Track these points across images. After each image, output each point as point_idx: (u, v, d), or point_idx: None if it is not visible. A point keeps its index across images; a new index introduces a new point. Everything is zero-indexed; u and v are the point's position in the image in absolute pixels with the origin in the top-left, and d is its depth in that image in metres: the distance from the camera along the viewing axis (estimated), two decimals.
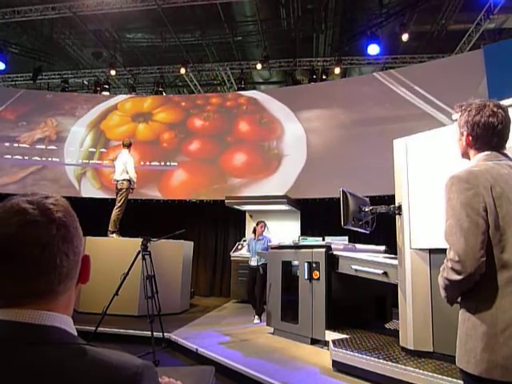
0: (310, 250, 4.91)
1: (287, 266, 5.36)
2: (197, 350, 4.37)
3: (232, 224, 9.74)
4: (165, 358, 4.30)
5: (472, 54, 8.30)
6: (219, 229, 9.83)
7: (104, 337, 4.63)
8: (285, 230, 8.61)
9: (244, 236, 8.96)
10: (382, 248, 5.55)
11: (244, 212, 9.11)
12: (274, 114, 10.04)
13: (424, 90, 8.50)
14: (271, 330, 5.25)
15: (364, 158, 8.37)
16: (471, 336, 1.31)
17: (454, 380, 2.76)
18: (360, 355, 3.44)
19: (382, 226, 4.38)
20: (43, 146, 10.42)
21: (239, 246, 8.49)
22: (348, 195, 3.94)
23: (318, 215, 8.73)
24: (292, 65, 10.65)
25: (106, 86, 11.42)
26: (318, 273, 4.68)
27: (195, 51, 10.45)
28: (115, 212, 6.88)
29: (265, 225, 6.42)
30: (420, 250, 3.45)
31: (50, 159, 10.37)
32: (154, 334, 4.24)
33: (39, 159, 10.32)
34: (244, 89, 10.77)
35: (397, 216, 3.75)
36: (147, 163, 10.26)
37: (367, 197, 4.50)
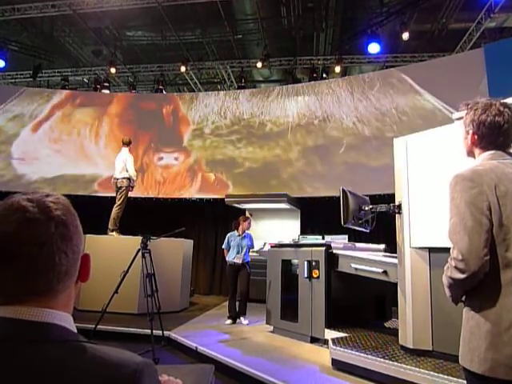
0: (310, 248, 4.92)
1: (287, 265, 5.36)
2: (196, 348, 4.37)
3: (232, 222, 9.71)
4: (164, 356, 4.31)
5: (473, 52, 8.29)
6: (219, 227, 9.82)
7: (104, 335, 4.64)
8: (285, 229, 8.62)
9: None
10: (382, 247, 5.55)
11: (244, 210, 9.10)
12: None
13: (425, 89, 8.50)
14: (271, 328, 5.26)
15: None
16: (475, 334, 1.31)
17: (453, 378, 2.77)
18: (359, 354, 3.45)
19: (381, 224, 4.39)
20: None
21: None
22: (348, 194, 3.94)
23: (317, 214, 8.72)
24: (292, 63, 10.63)
25: (106, 84, 11.38)
26: (317, 271, 4.69)
27: (195, 49, 10.43)
28: (115, 210, 6.88)
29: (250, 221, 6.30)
30: (420, 248, 3.45)
31: None
32: (154, 332, 4.25)
33: None
34: (244, 87, 10.76)
35: (397, 215, 3.75)
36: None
37: (367, 195, 4.50)
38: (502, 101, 1.49)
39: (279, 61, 10.65)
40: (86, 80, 12.31)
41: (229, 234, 6.18)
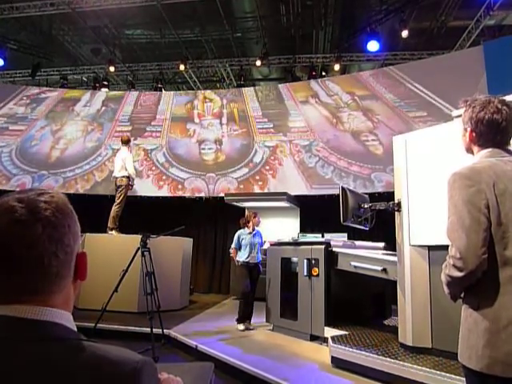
0: (310, 246, 4.92)
1: (286, 263, 5.36)
2: (196, 346, 4.38)
3: (231, 221, 9.71)
4: (164, 355, 4.31)
5: (472, 50, 8.29)
6: (218, 226, 9.82)
7: (104, 333, 4.64)
8: (284, 227, 8.61)
9: None
10: (382, 245, 5.56)
11: (243, 209, 9.10)
12: None
13: (424, 87, 8.49)
14: (270, 326, 5.27)
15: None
16: (473, 332, 1.31)
17: (453, 376, 2.77)
18: (359, 351, 3.46)
19: (381, 222, 4.39)
20: None
21: None
22: (347, 192, 3.94)
23: (317, 212, 8.72)
24: (291, 61, 10.62)
25: (105, 83, 11.37)
26: (317, 269, 4.69)
27: (194, 48, 10.41)
28: (114, 209, 6.87)
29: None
30: (419, 246, 3.46)
31: None
32: (154, 330, 4.25)
33: None
34: (243, 85, 10.75)
35: (396, 213, 3.75)
36: None
37: (366, 194, 4.50)
38: (500, 98, 1.48)
39: (278, 59, 10.63)
40: (84, 79, 12.29)
41: (238, 233, 5.69)
